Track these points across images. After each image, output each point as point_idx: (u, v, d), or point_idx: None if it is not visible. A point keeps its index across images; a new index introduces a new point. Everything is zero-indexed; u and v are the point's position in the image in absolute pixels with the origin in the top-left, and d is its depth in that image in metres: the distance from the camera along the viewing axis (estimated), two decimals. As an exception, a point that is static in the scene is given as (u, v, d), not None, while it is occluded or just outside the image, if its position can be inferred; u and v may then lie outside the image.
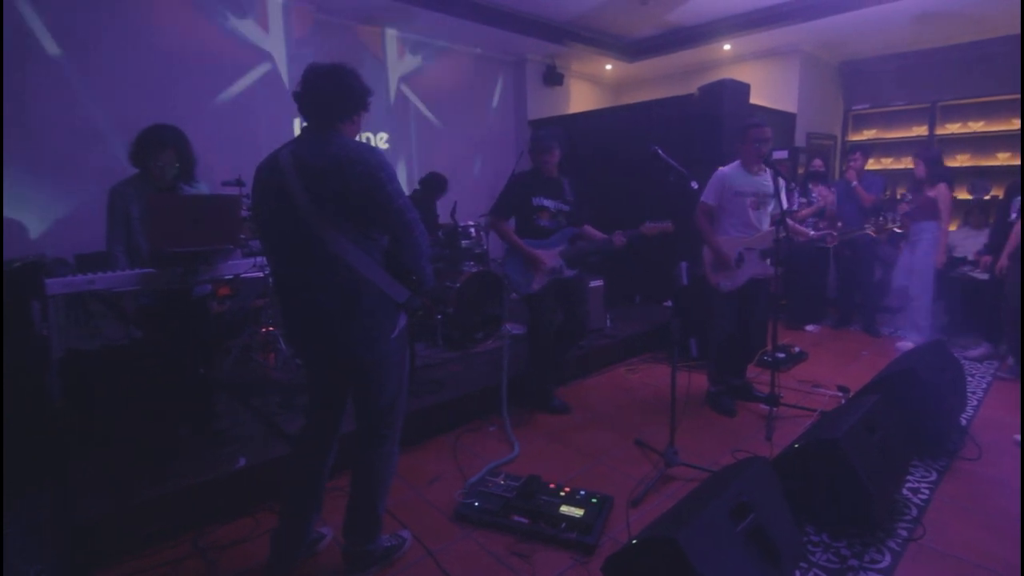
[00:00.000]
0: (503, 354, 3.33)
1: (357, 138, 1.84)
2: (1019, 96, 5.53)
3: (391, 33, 5.80)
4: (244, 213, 3.62)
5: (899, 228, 3.48)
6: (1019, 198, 3.95)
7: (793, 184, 4.84)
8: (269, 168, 1.75)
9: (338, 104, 1.75)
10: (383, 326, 1.80)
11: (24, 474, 2.44)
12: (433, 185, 5.11)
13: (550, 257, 3.18)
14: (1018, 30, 5.49)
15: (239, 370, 3.69)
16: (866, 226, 3.63)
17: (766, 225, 3.26)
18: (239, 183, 3.83)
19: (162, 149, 2.53)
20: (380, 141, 5.80)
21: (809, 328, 5.23)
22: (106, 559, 2.08)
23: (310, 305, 1.76)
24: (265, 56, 4.87)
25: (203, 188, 2.79)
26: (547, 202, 3.18)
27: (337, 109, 1.76)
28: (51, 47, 3.85)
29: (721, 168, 3.29)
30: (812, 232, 3.49)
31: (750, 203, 3.20)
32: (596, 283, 4.54)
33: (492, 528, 2.26)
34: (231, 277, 2.65)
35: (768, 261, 3.19)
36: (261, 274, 2.80)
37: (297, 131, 5.07)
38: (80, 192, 3.94)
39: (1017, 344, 3.81)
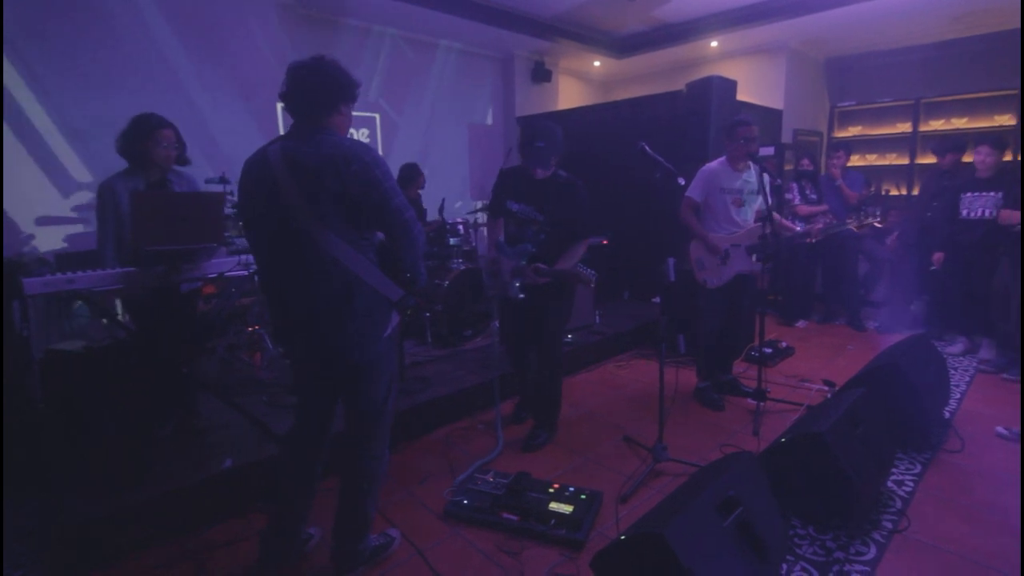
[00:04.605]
0: (494, 351, 3.24)
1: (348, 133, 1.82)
2: (1002, 93, 5.62)
3: (377, 29, 5.76)
4: (228, 211, 3.59)
5: (879, 223, 3.54)
6: (968, 194, 4.07)
7: (779, 180, 4.87)
8: (258, 165, 1.72)
9: (324, 97, 1.72)
10: (377, 326, 1.78)
11: (9, 479, 2.40)
12: (407, 178, 5.01)
13: (507, 269, 2.74)
14: (1002, 27, 5.57)
15: (225, 370, 3.65)
16: (848, 222, 3.68)
17: (750, 221, 3.28)
18: (223, 180, 3.78)
19: (165, 127, 2.55)
20: (361, 136, 5.76)
21: (800, 324, 5.29)
22: (94, 563, 2.06)
23: (301, 306, 1.73)
24: (247, 51, 4.81)
25: (195, 181, 2.77)
26: (516, 207, 2.77)
27: (323, 103, 1.72)
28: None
29: (707, 164, 3.30)
30: (798, 227, 3.52)
31: (732, 200, 3.22)
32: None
33: (481, 526, 2.25)
34: (215, 275, 2.62)
35: (754, 257, 3.21)
36: (246, 272, 2.76)
37: (280, 126, 5.04)
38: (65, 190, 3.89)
39: (1001, 335, 3.89)
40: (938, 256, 4.30)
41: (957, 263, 4.20)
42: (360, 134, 5.75)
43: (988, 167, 3.99)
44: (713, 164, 3.28)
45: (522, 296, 2.70)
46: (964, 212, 4.10)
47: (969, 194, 4.08)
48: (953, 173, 4.69)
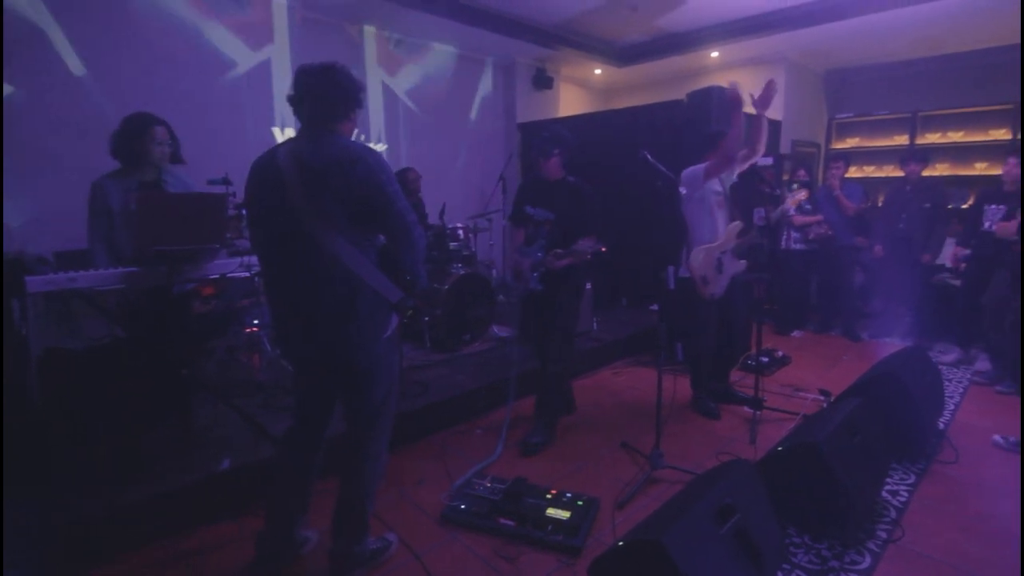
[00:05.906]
0: (513, 354, 3.31)
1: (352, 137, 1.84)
2: (998, 108, 5.67)
3: (378, 32, 5.78)
4: (231, 212, 3.59)
5: (803, 197, 3.82)
6: (992, 206, 4.06)
7: (778, 191, 4.91)
8: (265, 166, 1.74)
9: (333, 104, 1.75)
10: (377, 328, 1.80)
11: (8, 477, 2.39)
12: (404, 183, 5.01)
13: (527, 267, 2.99)
14: (999, 43, 5.63)
15: (223, 371, 3.64)
16: (758, 218, 3.79)
17: (724, 225, 3.30)
18: (226, 182, 3.78)
19: (156, 124, 2.57)
20: (377, 147, 5.78)
21: (796, 334, 5.31)
22: (87, 563, 2.05)
23: (305, 307, 1.74)
24: (251, 55, 4.83)
25: (188, 180, 2.78)
26: (532, 210, 3.00)
27: (332, 109, 1.75)
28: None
29: (692, 168, 3.26)
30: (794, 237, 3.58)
31: (716, 202, 3.24)
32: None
33: (478, 531, 2.26)
34: (216, 276, 2.62)
35: (741, 259, 3.29)
36: (247, 274, 2.77)
37: (277, 132, 5.04)
38: (61, 187, 3.88)
39: (995, 348, 3.92)
40: (964, 266, 4.34)
41: (971, 274, 4.22)
42: (360, 138, 5.76)
43: (1014, 179, 3.93)
44: (698, 168, 3.24)
45: (540, 287, 2.93)
46: (987, 224, 4.04)
47: (992, 206, 4.05)
48: (916, 184, 4.80)
